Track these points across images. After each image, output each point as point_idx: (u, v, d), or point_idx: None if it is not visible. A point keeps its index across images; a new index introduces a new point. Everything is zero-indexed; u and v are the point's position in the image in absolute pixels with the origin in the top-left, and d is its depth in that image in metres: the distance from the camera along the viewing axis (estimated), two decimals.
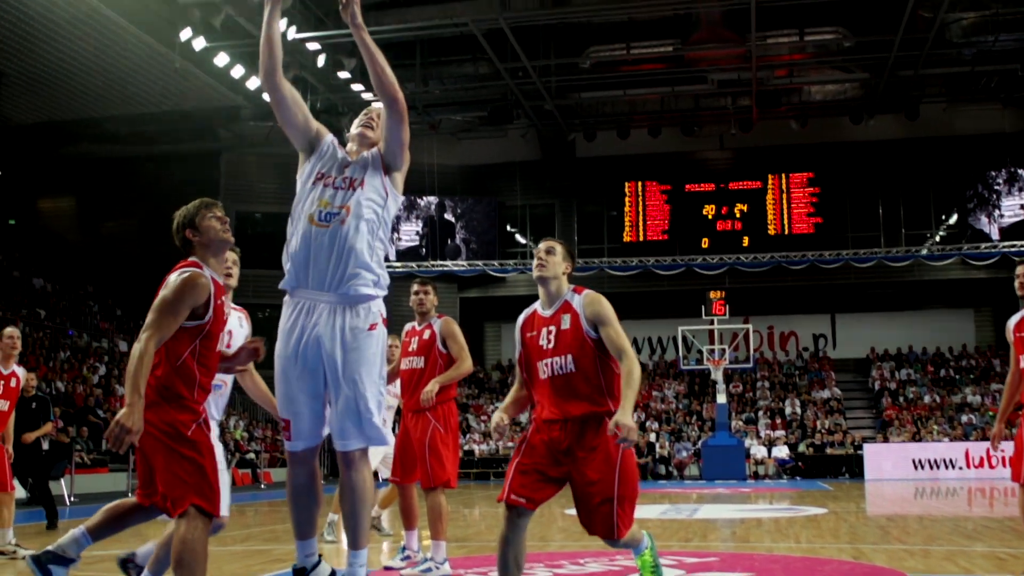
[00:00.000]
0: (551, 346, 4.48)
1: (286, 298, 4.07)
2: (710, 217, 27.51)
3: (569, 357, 4.43)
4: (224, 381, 4.95)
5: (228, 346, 4.83)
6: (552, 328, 4.52)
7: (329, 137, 4.25)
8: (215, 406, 4.84)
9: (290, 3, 18.18)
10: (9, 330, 8.14)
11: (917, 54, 20.72)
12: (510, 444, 23.70)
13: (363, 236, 4.07)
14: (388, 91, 4.11)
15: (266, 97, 20.97)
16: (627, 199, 28.07)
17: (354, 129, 4.38)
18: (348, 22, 4.12)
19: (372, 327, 4.07)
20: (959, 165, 26.33)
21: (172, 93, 22.40)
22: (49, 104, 23.15)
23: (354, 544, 4.09)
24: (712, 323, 23.59)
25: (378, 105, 4.44)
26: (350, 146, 4.33)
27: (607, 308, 4.49)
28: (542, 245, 4.70)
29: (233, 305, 4.94)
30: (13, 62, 20.37)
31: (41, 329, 22.47)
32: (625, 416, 4.06)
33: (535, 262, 4.67)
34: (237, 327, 5.12)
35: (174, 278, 4.02)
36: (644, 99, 25.26)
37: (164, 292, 3.99)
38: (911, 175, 26.98)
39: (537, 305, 4.68)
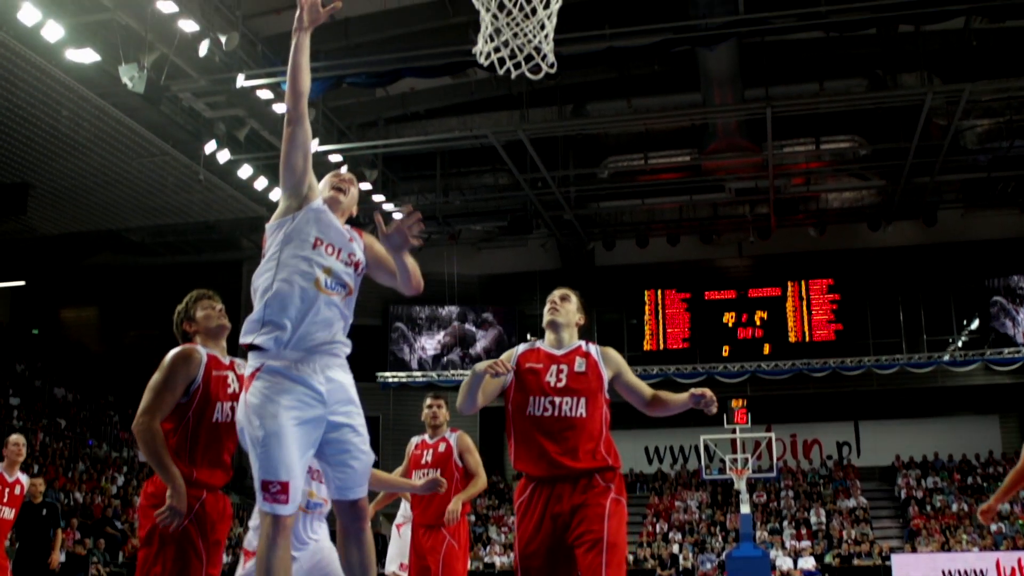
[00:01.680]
0: (560, 384, 4.37)
1: (258, 359, 3.82)
2: (730, 325, 27.45)
3: (582, 400, 4.32)
4: (324, 499, 4.84)
5: None
6: (564, 367, 4.42)
7: (320, 201, 4.19)
8: (308, 526, 4.73)
9: (312, 117, 18.48)
10: (14, 437, 8.20)
11: (933, 161, 20.87)
12: None
13: (352, 309, 4.05)
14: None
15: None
16: (647, 307, 28.07)
17: (327, 191, 4.31)
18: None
19: None
20: (979, 270, 26.29)
21: (196, 204, 22.71)
22: (74, 215, 23.49)
23: None
24: (734, 432, 23.35)
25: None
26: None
27: (623, 360, 4.50)
28: (557, 292, 4.66)
29: None
30: (40, 174, 20.75)
31: (61, 439, 22.44)
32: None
33: (548, 307, 4.59)
34: None
35: (167, 357, 4.14)
36: (662, 208, 25.46)
37: (157, 372, 4.11)
38: (931, 280, 26.94)
39: (541, 344, 4.56)
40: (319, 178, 4.29)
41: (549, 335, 4.57)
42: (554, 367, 4.42)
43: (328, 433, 3.80)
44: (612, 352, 4.55)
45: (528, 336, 4.44)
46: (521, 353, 4.55)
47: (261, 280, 3.92)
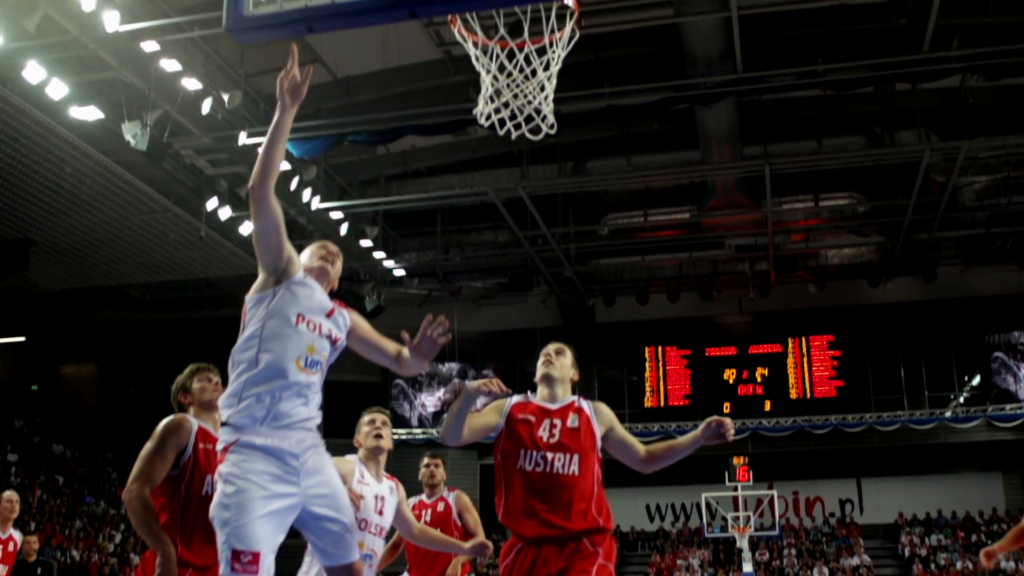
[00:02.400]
0: (554, 440, 4.25)
1: (233, 435, 3.78)
2: (731, 382, 27.39)
3: (575, 458, 4.20)
4: (374, 550, 4.94)
5: (380, 512, 4.96)
6: (558, 422, 4.30)
7: (302, 273, 4.13)
8: None
9: (314, 175, 18.62)
10: (8, 494, 8.17)
11: (932, 217, 20.95)
12: None
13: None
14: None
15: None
16: (648, 364, 28.03)
17: (314, 261, 4.26)
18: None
19: None
20: (979, 326, 26.29)
21: (197, 261, 22.76)
22: (75, 271, 23.52)
23: None
24: (736, 489, 23.23)
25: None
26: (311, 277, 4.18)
27: (614, 416, 4.40)
28: (551, 346, 4.56)
29: (384, 473, 5.16)
30: (42, 230, 20.81)
31: (59, 496, 22.30)
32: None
33: (542, 360, 4.49)
34: (388, 494, 5.25)
35: (159, 426, 4.18)
36: (662, 265, 25.52)
37: (149, 441, 4.13)
38: (932, 337, 26.92)
39: (533, 397, 4.43)
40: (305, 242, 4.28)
41: (542, 389, 4.46)
42: (547, 421, 4.31)
43: (305, 506, 3.78)
44: (604, 408, 4.46)
45: (529, 393, 4.31)
46: (514, 404, 4.43)
47: (242, 356, 3.90)
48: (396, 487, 5.34)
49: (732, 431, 4.17)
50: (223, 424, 3.81)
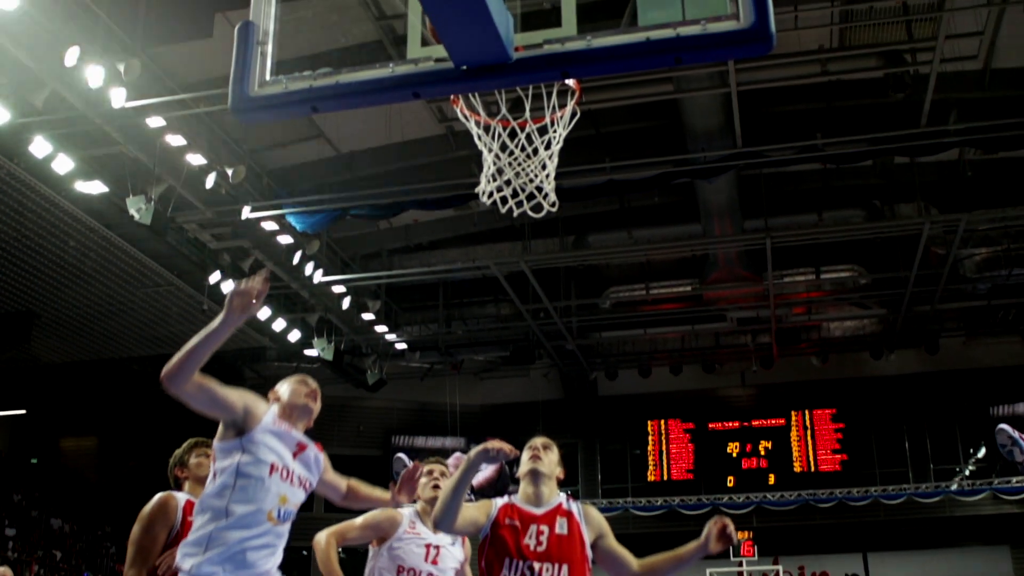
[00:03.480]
0: (541, 549, 3.97)
1: None
2: (734, 455, 27.21)
3: (564, 568, 3.93)
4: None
5: (434, 562, 5.00)
6: (545, 529, 4.03)
7: (272, 417, 4.03)
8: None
9: (316, 249, 18.70)
10: (2, 570, 8.13)
11: (933, 289, 20.97)
12: None
13: None
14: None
15: (292, 338, 21.15)
16: (650, 438, 27.88)
17: (299, 399, 4.20)
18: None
19: None
20: (983, 398, 26.18)
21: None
22: (77, 344, 23.52)
23: None
24: (741, 564, 22.96)
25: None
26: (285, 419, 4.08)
27: (607, 523, 4.15)
28: (538, 440, 4.35)
29: None
30: (45, 303, 20.85)
31: (56, 572, 22.05)
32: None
33: (528, 454, 4.27)
34: (448, 544, 5.23)
35: (144, 509, 4.17)
36: (664, 338, 25.49)
37: (136, 524, 4.13)
38: (936, 409, 26.80)
39: (516, 500, 4.19)
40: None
41: (527, 487, 4.22)
42: (533, 527, 4.04)
43: None
44: (594, 512, 4.20)
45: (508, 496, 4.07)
46: (501, 507, 4.18)
47: (212, 503, 3.82)
48: (463, 540, 5.30)
49: (735, 534, 3.85)
50: (179, 572, 3.70)
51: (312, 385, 4.27)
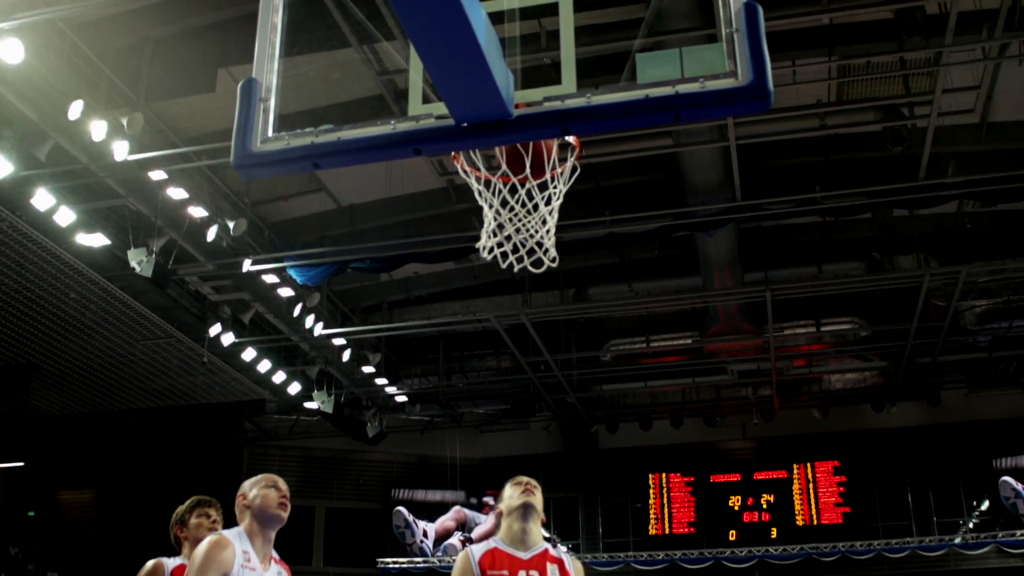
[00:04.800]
0: None
1: None
2: (736, 508, 27.03)
3: None
4: None
5: None
6: (535, 574, 3.90)
7: (237, 558, 3.96)
8: None
9: (317, 301, 18.72)
10: None
11: (934, 342, 20.96)
12: None
13: None
14: None
15: (292, 390, 21.15)
16: (651, 491, 27.70)
17: (273, 509, 4.16)
18: None
19: None
20: (986, 450, 26.06)
21: (199, 386, 22.73)
22: (76, 396, 23.47)
23: None
24: None
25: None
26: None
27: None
28: (524, 478, 4.24)
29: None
30: (45, 355, 20.83)
31: None
32: None
33: (520, 489, 4.16)
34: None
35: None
36: (665, 390, 25.45)
37: None
38: (938, 461, 26.67)
39: (499, 543, 4.07)
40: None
41: (515, 524, 4.12)
42: (522, 573, 3.94)
43: None
44: (580, 564, 4.12)
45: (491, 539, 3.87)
46: (481, 556, 4.02)
47: None
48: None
49: None
50: None
51: (283, 489, 4.19)
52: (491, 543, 4.11)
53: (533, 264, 5.13)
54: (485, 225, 5.00)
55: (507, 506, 4.25)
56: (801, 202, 16.41)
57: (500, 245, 5.10)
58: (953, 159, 16.15)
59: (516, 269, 5.10)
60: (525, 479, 4.37)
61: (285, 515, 4.13)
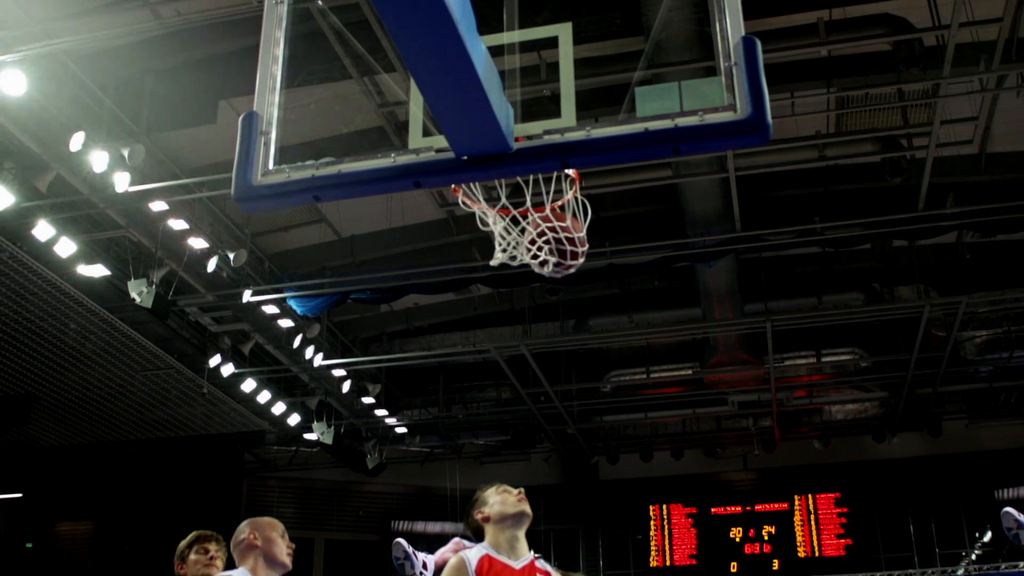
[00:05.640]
0: None
1: None
2: (737, 540, 26.91)
3: None
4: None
5: None
6: None
7: None
8: None
9: (317, 332, 18.72)
10: None
11: (934, 372, 20.94)
12: None
13: None
14: None
15: (292, 421, 21.14)
16: (652, 523, 27.59)
17: (282, 556, 4.09)
18: None
19: None
20: (988, 481, 25.99)
21: (198, 417, 22.69)
22: (75, 427, 23.41)
23: None
24: None
25: None
26: None
27: None
28: (510, 487, 4.15)
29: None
30: (44, 386, 20.79)
31: None
32: None
33: (515, 496, 4.09)
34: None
35: None
36: (666, 422, 25.39)
37: None
38: (940, 492, 26.58)
39: (490, 551, 4.00)
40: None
41: (507, 532, 4.03)
42: None
43: None
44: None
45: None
46: (476, 566, 3.94)
47: None
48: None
49: None
50: None
51: (288, 541, 4.16)
52: (483, 549, 4.05)
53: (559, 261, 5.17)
54: (496, 244, 5.06)
55: (499, 513, 4.17)
56: (801, 233, 16.45)
57: (513, 259, 5.17)
58: (952, 190, 16.19)
59: (546, 270, 5.15)
60: (514, 488, 4.26)
61: (291, 566, 4.06)
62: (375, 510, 27.50)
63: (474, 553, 4.01)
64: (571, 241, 5.43)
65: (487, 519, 4.15)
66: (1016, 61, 12.95)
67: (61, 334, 18.59)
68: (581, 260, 5.64)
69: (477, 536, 4.26)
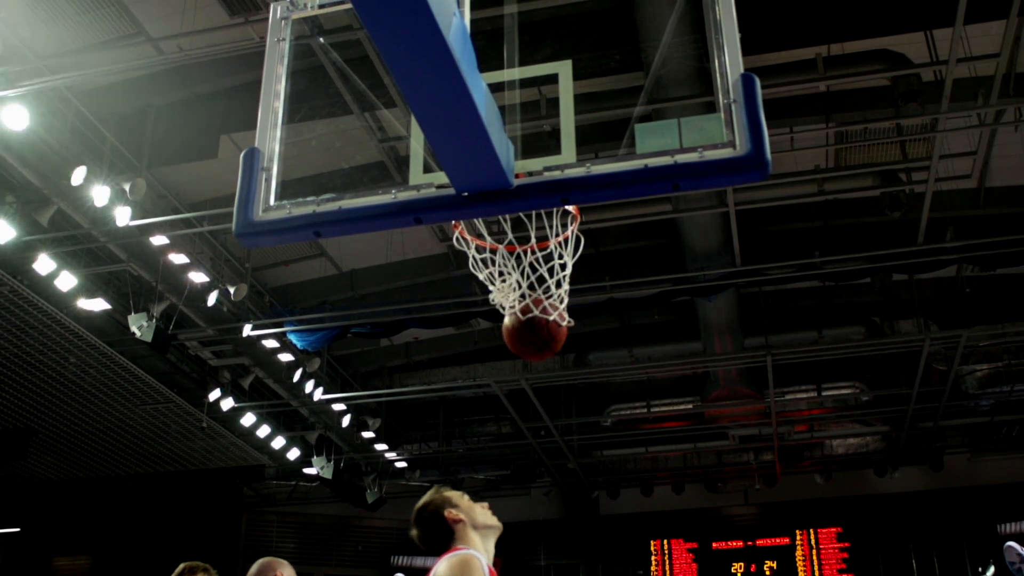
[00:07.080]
0: None
1: None
2: (739, 575, 26.75)
3: None
4: None
5: None
6: None
7: None
8: None
9: (317, 366, 18.69)
10: None
11: (935, 406, 20.89)
12: None
13: None
14: None
15: (291, 456, 21.05)
16: (653, 558, 27.42)
17: None
18: None
19: None
20: (990, 515, 25.85)
21: (197, 452, 22.62)
22: (74, 461, 23.34)
23: None
24: None
25: None
26: None
27: None
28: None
29: None
30: (43, 420, 20.75)
31: None
32: None
33: (489, 508, 4.20)
34: None
35: None
36: (666, 456, 25.31)
37: None
38: (942, 526, 26.43)
39: (485, 559, 3.98)
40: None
41: (486, 543, 4.09)
42: None
43: None
44: None
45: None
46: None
47: None
48: None
49: None
50: None
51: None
52: (479, 556, 3.98)
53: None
54: (495, 284, 5.07)
55: (483, 522, 4.23)
56: (801, 267, 16.46)
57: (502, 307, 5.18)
58: (951, 224, 16.22)
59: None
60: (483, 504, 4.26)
61: None
62: (375, 545, 27.33)
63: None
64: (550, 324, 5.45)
65: (463, 522, 4.14)
66: (1014, 96, 13.01)
67: (61, 368, 18.57)
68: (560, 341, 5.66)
69: (433, 536, 4.21)
